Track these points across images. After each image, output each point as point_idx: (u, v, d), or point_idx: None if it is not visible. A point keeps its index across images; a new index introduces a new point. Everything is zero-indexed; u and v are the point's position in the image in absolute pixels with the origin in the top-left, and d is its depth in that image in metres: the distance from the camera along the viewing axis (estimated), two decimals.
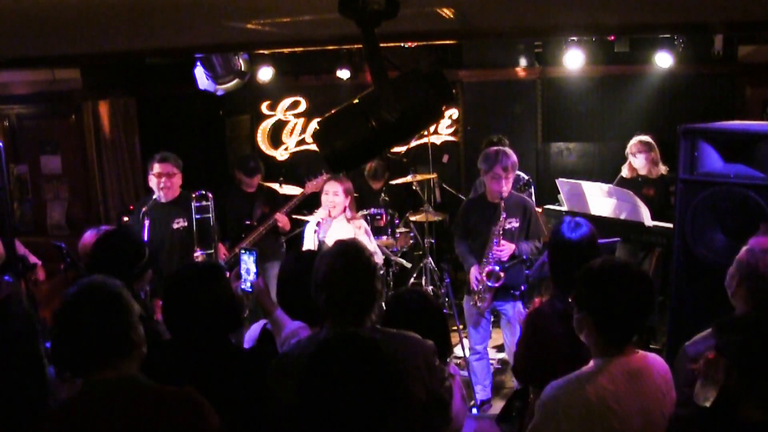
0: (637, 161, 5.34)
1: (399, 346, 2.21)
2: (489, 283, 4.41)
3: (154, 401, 1.94)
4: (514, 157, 4.44)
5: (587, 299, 2.20)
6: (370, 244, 4.76)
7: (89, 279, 2.03)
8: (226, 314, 2.47)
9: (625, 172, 5.48)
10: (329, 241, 4.66)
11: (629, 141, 5.45)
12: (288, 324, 2.67)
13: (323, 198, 4.74)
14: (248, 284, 2.92)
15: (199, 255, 4.60)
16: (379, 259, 4.82)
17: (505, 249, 4.41)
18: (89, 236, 3.83)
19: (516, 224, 4.48)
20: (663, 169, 5.37)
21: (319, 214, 4.73)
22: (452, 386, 2.45)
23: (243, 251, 3.03)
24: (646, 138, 5.35)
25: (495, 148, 4.57)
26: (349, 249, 2.31)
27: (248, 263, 2.98)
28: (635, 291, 2.15)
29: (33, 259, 4.69)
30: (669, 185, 5.38)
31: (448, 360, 2.69)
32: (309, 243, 4.74)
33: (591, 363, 2.21)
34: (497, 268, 4.38)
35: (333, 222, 4.72)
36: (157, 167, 4.66)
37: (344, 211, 4.71)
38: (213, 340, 2.41)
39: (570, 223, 3.01)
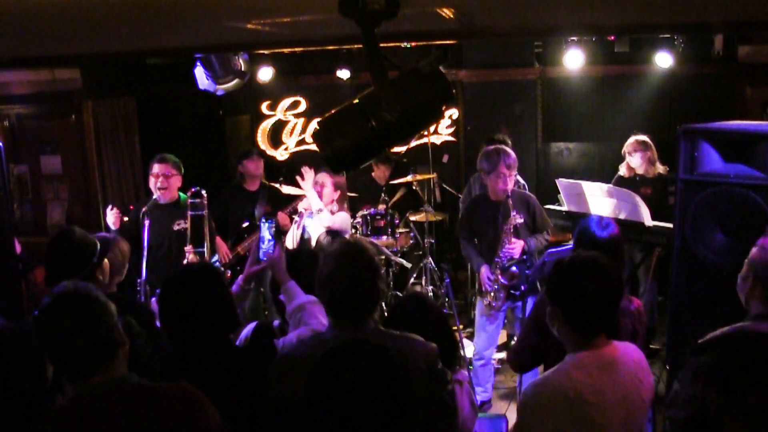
0: (633, 160, 5.40)
1: (401, 347, 2.20)
2: (503, 281, 4.42)
3: (149, 399, 1.92)
4: (513, 155, 4.48)
5: (557, 293, 2.24)
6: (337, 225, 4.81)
7: (61, 287, 1.99)
8: (226, 315, 2.47)
9: (623, 171, 5.54)
10: (311, 231, 4.74)
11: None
12: (299, 296, 2.68)
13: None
14: (264, 251, 2.93)
15: (191, 252, 4.58)
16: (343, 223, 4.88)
17: (516, 246, 4.42)
18: None
19: (521, 220, 4.49)
20: (660, 168, 5.40)
21: (303, 204, 4.83)
22: (456, 391, 2.44)
23: (263, 220, 3.04)
24: (643, 137, 5.40)
25: (493, 146, 4.57)
26: (353, 249, 2.31)
27: (264, 231, 2.98)
28: (602, 284, 2.18)
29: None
30: (667, 184, 5.43)
31: (456, 367, 2.68)
32: (292, 236, 4.80)
33: (565, 358, 2.23)
34: (509, 266, 4.40)
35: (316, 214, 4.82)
36: (155, 167, 4.68)
37: (330, 203, 4.79)
38: (214, 341, 2.41)
39: (599, 222, 3.02)
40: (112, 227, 4.63)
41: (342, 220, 4.85)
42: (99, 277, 3.01)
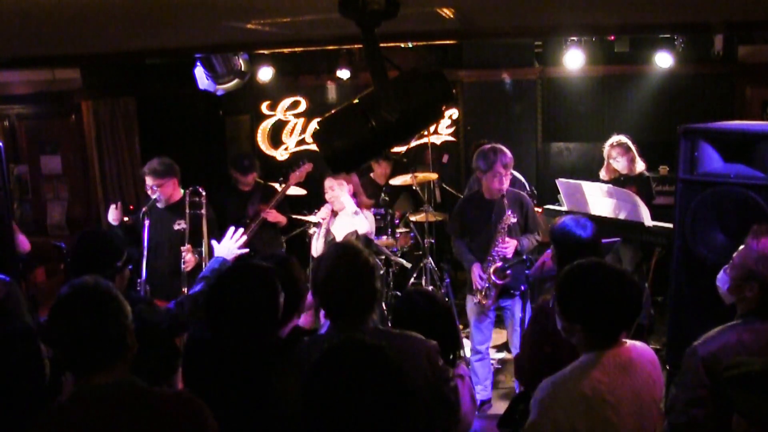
0: (618, 164, 5.41)
1: (401, 346, 2.21)
2: (496, 281, 4.41)
3: (148, 404, 1.91)
4: (509, 154, 4.47)
5: (572, 308, 2.20)
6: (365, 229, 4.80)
7: (82, 280, 1.97)
8: (273, 311, 2.49)
9: (603, 174, 5.52)
10: (337, 234, 4.76)
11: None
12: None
13: (326, 196, 4.88)
14: None
15: (188, 251, 4.58)
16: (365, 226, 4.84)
17: (510, 245, 4.42)
18: None
19: (514, 220, 4.49)
20: (641, 165, 5.43)
21: (321, 214, 4.80)
22: (458, 386, 2.44)
23: None
24: (622, 140, 5.39)
25: (490, 145, 4.55)
26: (348, 251, 2.32)
27: None
28: (619, 292, 2.15)
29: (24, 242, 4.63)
30: (651, 182, 5.50)
31: (457, 361, 2.68)
32: (317, 245, 4.80)
33: (582, 357, 2.22)
34: (501, 264, 4.39)
35: (337, 217, 4.85)
36: (146, 179, 4.68)
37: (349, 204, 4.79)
38: (264, 335, 2.43)
39: (577, 221, 3.00)
40: (113, 223, 4.64)
41: (371, 221, 4.93)
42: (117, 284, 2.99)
